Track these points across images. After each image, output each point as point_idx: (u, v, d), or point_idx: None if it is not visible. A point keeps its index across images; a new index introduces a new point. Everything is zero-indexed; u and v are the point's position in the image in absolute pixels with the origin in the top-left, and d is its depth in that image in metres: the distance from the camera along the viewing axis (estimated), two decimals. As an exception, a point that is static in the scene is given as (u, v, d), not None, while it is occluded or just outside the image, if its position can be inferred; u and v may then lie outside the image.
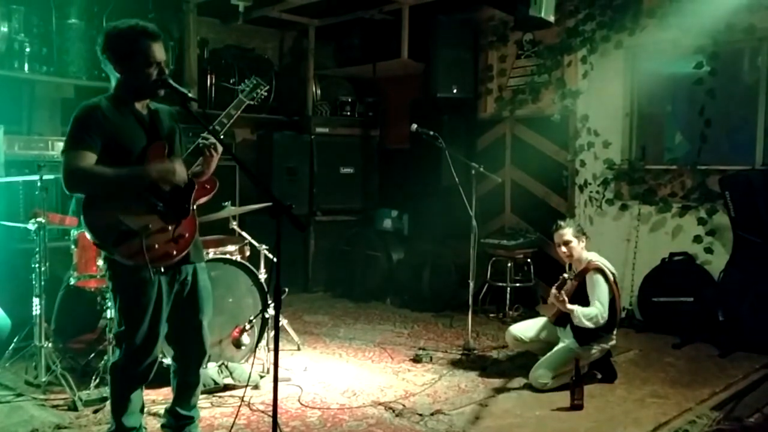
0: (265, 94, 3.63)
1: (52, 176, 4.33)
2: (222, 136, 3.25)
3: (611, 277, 4.52)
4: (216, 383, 4.29)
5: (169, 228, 3.13)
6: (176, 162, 3.16)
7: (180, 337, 3.42)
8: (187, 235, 3.18)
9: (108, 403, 3.65)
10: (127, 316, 3.18)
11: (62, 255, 4.75)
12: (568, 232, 4.60)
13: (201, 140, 3.23)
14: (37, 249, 4.30)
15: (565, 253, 4.62)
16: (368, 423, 3.87)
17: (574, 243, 4.58)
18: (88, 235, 3.06)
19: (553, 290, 4.46)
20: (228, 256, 4.72)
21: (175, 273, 3.25)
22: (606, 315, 4.39)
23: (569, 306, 4.37)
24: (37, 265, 4.30)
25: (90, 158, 3.01)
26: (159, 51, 3.12)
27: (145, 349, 3.21)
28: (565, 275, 4.51)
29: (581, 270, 4.59)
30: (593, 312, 4.37)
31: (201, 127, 3.14)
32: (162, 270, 3.15)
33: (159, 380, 3.58)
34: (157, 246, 3.06)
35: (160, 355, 3.38)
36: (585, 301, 4.45)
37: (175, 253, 3.12)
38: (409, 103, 7.54)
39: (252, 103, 3.55)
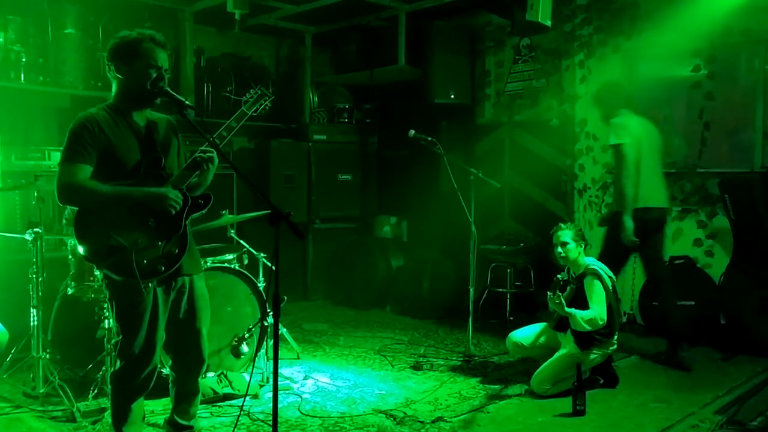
0: (269, 105, 3.56)
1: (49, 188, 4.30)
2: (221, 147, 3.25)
3: (609, 282, 4.50)
4: (215, 393, 4.27)
5: (159, 243, 3.12)
6: (171, 189, 3.14)
7: (178, 346, 3.41)
8: (177, 251, 3.17)
9: (108, 413, 3.64)
10: (125, 325, 3.18)
11: (59, 265, 4.73)
12: (566, 234, 4.59)
13: (198, 154, 3.22)
14: (34, 259, 4.28)
15: (560, 254, 4.60)
16: (369, 431, 3.85)
17: (572, 245, 4.57)
18: (79, 248, 3.06)
19: (549, 293, 4.43)
20: (226, 264, 4.70)
21: (172, 281, 3.24)
22: (605, 317, 4.37)
23: (567, 309, 4.34)
24: (34, 276, 4.28)
25: (85, 171, 3.02)
26: (162, 57, 3.17)
27: (144, 358, 3.21)
28: (558, 276, 4.49)
29: (579, 275, 4.57)
30: (591, 314, 4.35)
31: (199, 135, 3.12)
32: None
33: (158, 390, 3.56)
34: (146, 261, 3.06)
35: (159, 365, 3.36)
36: (584, 306, 4.43)
37: (163, 269, 3.12)
38: (406, 109, 7.52)
39: (255, 114, 3.50)
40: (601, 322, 4.36)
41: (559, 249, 4.60)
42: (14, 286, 4.79)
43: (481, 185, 5.30)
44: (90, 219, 3.04)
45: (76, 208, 3.09)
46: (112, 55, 3.15)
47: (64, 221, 4.75)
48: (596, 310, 4.36)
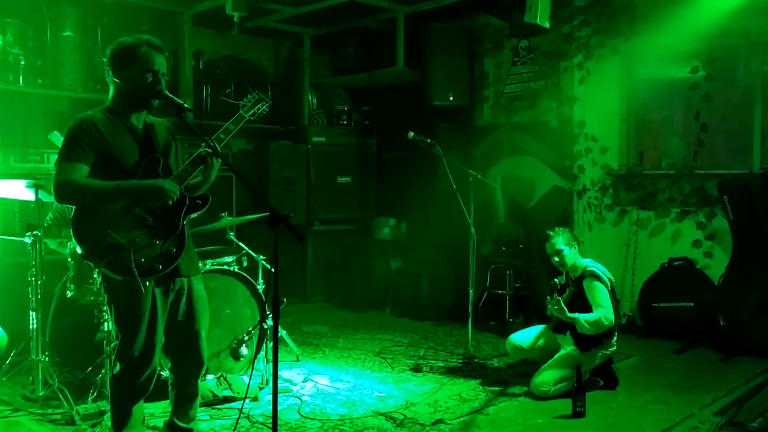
0: (266, 110, 3.60)
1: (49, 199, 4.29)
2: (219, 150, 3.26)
3: (608, 283, 4.49)
4: (215, 395, 4.26)
5: (157, 242, 3.12)
6: (167, 180, 3.15)
7: (177, 348, 3.41)
8: (174, 250, 3.17)
9: (107, 416, 3.63)
10: (123, 327, 3.18)
11: (59, 268, 4.72)
12: (558, 242, 4.57)
13: (202, 149, 3.23)
14: (33, 262, 4.27)
15: (558, 262, 4.59)
16: (369, 433, 3.85)
17: (567, 251, 4.55)
18: (76, 247, 3.06)
19: (548, 298, 4.39)
20: (225, 266, 4.69)
21: (170, 283, 3.24)
22: (611, 317, 4.34)
23: (569, 315, 4.31)
24: (33, 279, 4.27)
25: (82, 170, 3.03)
26: (159, 61, 3.18)
27: (144, 360, 3.21)
28: (556, 280, 4.47)
29: (578, 277, 4.56)
30: (596, 315, 4.30)
31: (197, 138, 3.13)
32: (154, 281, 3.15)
33: (157, 393, 3.55)
34: (143, 260, 3.07)
35: (159, 367, 3.36)
36: (583, 308, 4.41)
37: (161, 268, 3.12)
38: (405, 111, 7.53)
39: (252, 118, 3.54)
40: (606, 323, 4.32)
41: (555, 258, 4.59)
42: (13, 289, 4.79)
43: (480, 187, 5.30)
44: (87, 217, 3.04)
45: (71, 211, 3.09)
46: (110, 59, 3.17)
47: (47, 223, 4.74)
48: (601, 311, 4.33)
